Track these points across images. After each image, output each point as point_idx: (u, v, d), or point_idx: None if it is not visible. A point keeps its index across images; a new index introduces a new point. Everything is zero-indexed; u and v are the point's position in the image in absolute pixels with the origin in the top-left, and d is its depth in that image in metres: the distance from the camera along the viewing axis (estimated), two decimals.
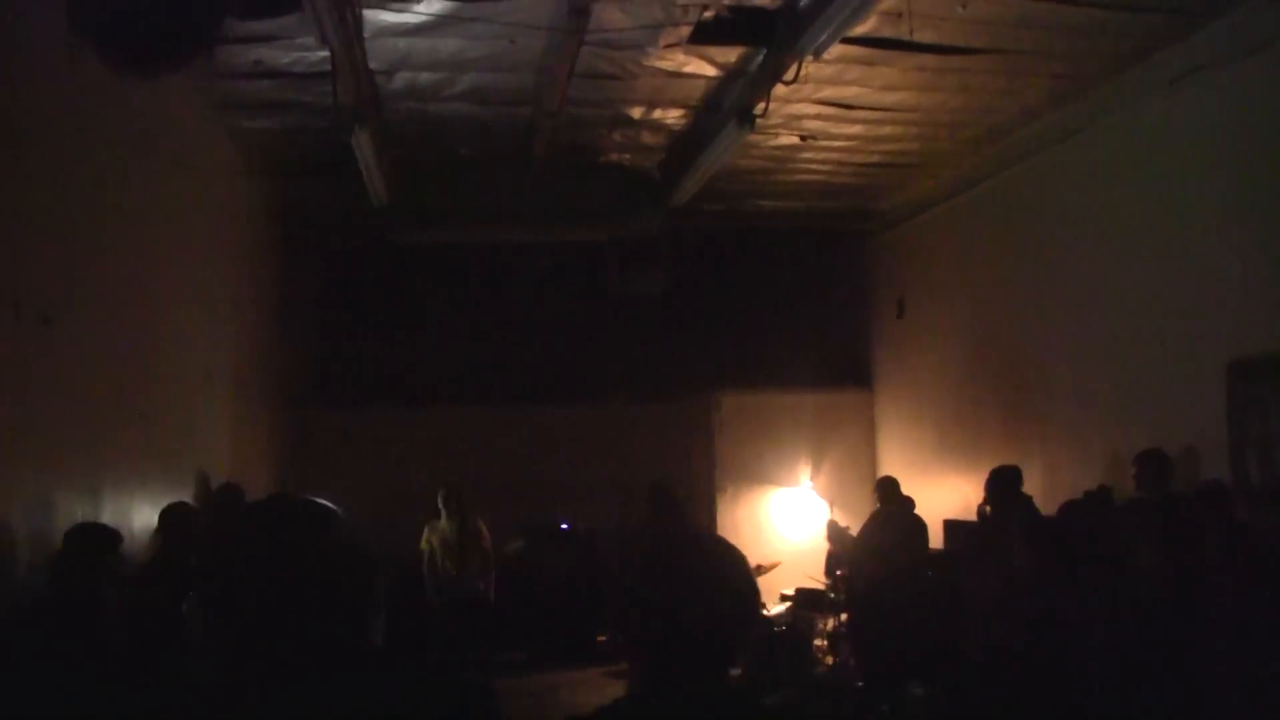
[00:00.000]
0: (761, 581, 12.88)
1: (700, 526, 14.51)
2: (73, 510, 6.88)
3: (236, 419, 11.94)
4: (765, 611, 13.07)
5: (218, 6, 7.38)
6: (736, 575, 2.76)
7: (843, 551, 12.77)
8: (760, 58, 9.54)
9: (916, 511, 11.79)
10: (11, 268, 6.21)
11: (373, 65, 9.53)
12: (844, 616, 12.58)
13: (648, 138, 12.05)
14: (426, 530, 12.32)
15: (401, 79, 10.03)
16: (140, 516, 8.28)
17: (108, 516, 7.26)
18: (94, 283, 7.50)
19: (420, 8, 8.43)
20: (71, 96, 7.22)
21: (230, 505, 9.53)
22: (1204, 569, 6.49)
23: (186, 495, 9.65)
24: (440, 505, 12.22)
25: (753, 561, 12.88)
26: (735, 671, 2.76)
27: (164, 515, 7.78)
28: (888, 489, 12.02)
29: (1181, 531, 7.20)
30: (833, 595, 12.79)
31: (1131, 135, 10.21)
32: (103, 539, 6.27)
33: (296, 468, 14.26)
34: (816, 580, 13.30)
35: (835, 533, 13.04)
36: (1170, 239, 9.66)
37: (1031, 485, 10.05)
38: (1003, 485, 9.94)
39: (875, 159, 12.89)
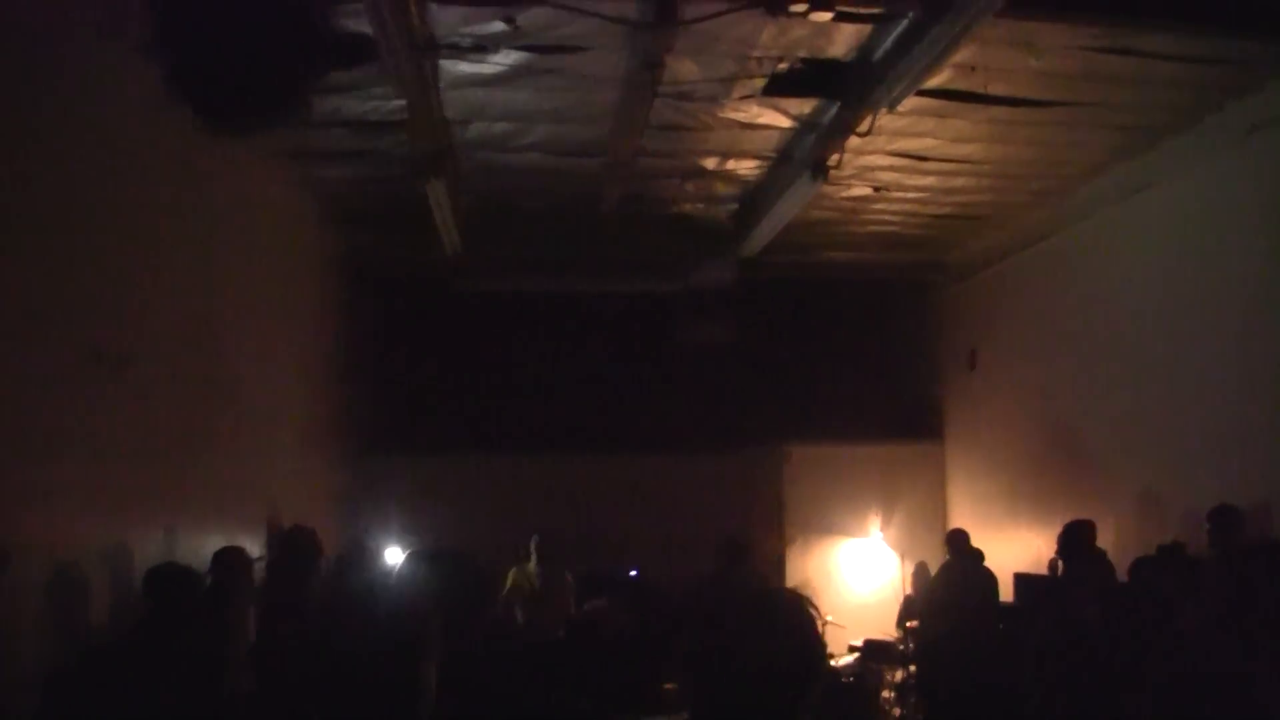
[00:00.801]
0: (830, 632, 12.85)
1: (768, 579, 14.45)
2: (146, 553, 6.97)
3: (302, 466, 12.03)
4: (833, 663, 13.00)
5: (314, 66, 7.49)
6: (801, 629, 2.76)
7: (920, 598, 12.73)
8: (834, 110, 9.55)
9: (986, 564, 11.71)
10: (90, 313, 6.32)
11: (448, 115, 9.62)
12: (912, 668, 12.50)
13: (720, 188, 12.09)
14: (513, 573, 12.31)
15: (476, 129, 10.11)
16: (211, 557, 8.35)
17: (179, 557, 7.34)
18: (165, 328, 7.62)
19: (496, 59, 8.51)
20: (152, 146, 7.36)
21: (305, 547, 9.61)
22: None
23: (254, 539, 9.75)
24: (532, 550, 12.23)
25: (822, 615, 12.90)
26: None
27: (218, 557, 7.90)
28: (958, 541, 11.96)
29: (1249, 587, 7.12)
30: (901, 647, 12.71)
31: (1202, 189, 10.13)
32: (188, 580, 6.34)
33: (363, 513, 14.32)
34: (886, 633, 13.24)
35: (921, 579, 13.00)
36: (1243, 294, 9.57)
37: (1103, 540, 9.97)
38: (1075, 540, 9.86)
39: (947, 210, 12.86)
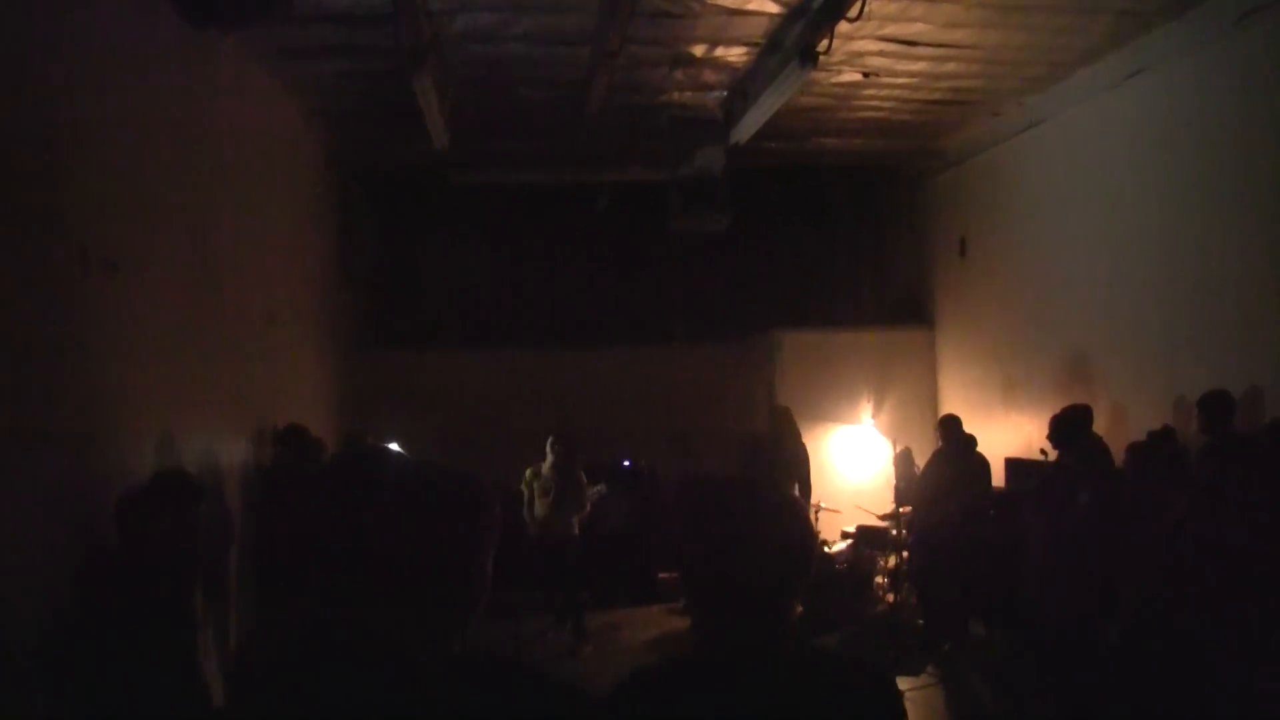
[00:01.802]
0: (823, 519, 12.98)
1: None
2: (143, 455, 7.00)
3: (300, 361, 12.08)
4: (826, 549, 13.14)
5: None
6: (790, 519, 2.80)
7: (908, 485, 12.83)
8: None
9: (978, 450, 11.79)
10: (78, 217, 6.30)
11: (433, 7, 9.52)
12: (905, 555, 12.63)
13: (709, 76, 11.99)
14: (529, 472, 12.52)
15: (462, 20, 10.00)
16: (206, 459, 8.41)
17: (175, 461, 7.38)
18: (156, 229, 7.60)
19: None
20: (136, 46, 7.31)
21: (294, 443, 9.69)
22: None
23: (249, 437, 9.81)
24: (548, 450, 12.41)
25: (814, 501, 13.01)
26: (798, 610, 2.80)
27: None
28: (949, 427, 12.02)
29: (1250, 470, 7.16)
30: (894, 533, 12.84)
31: (1195, 75, 10.06)
32: (188, 488, 6.37)
33: (357, 410, 14.40)
34: (875, 516, 13.37)
35: (905, 464, 13.10)
36: (1237, 178, 9.54)
37: (1096, 426, 10.04)
38: (1069, 426, 9.92)
39: (938, 96, 12.77)
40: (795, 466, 13.30)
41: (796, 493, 13.05)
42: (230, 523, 8.91)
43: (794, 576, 2.75)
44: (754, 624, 2.69)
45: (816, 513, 12.79)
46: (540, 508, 12.42)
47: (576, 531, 12.52)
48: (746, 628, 2.69)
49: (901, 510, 12.80)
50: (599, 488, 12.93)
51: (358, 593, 2.37)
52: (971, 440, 11.82)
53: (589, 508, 12.67)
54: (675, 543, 2.93)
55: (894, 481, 13.33)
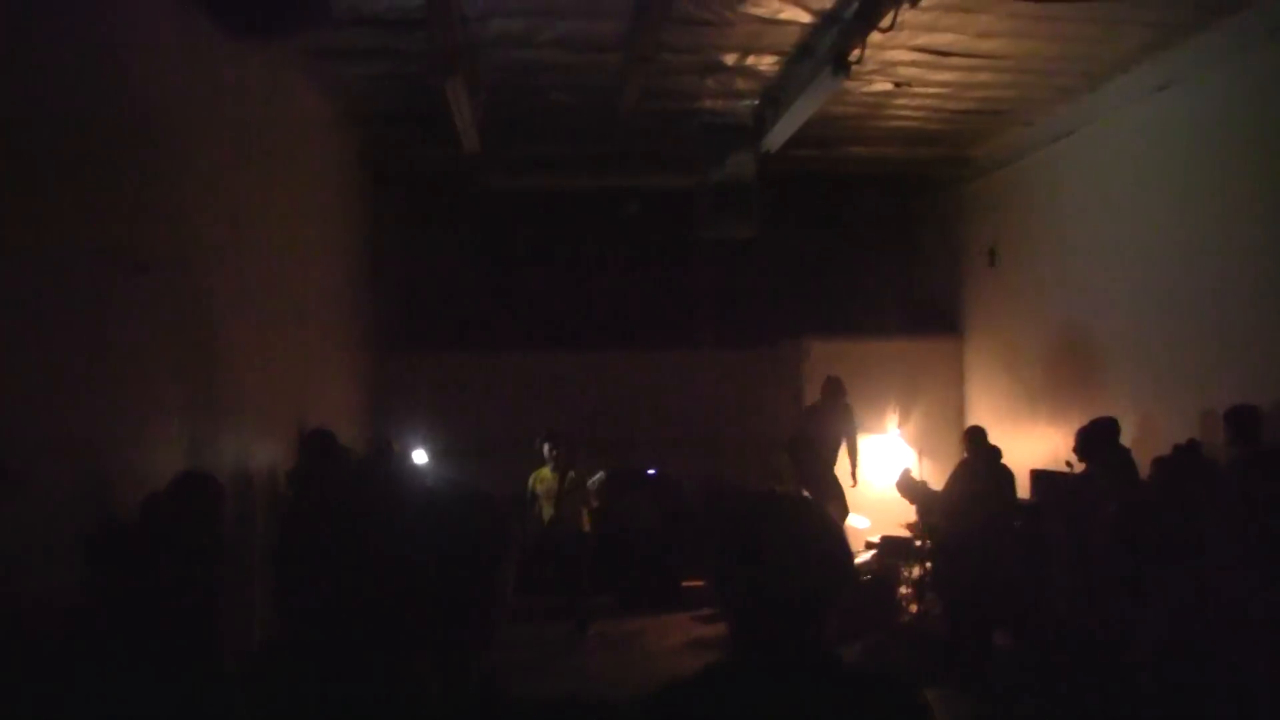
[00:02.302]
0: (848, 530, 12.96)
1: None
2: (172, 456, 7.02)
3: (328, 363, 12.12)
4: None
5: None
6: (828, 537, 2.80)
7: (920, 506, 12.79)
8: (856, 4, 9.46)
9: (1004, 461, 11.76)
10: (108, 218, 6.33)
11: (467, 12, 9.55)
12: (929, 565, 12.60)
13: (740, 84, 12.01)
14: (532, 478, 12.62)
15: (495, 25, 10.04)
16: (235, 461, 8.44)
17: (204, 462, 7.40)
18: (187, 231, 7.63)
19: None
20: (169, 48, 7.35)
21: (319, 448, 9.67)
22: None
23: (278, 440, 9.83)
24: (545, 453, 12.51)
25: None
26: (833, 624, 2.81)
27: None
28: (975, 438, 11.97)
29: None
30: (918, 543, 12.81)
31: (1227, 86, 10.04)
32: (213, 489, 6.38)
33: (386, 412, 14.45)
34: (903, 528, 13.34)
35: (908, 486, 13.02)
36: (1265, 191, 9.52)
37: (1123, 438, 10.01)
38: (1096, 438, 9.89)
39: (969, 106, 12.76)
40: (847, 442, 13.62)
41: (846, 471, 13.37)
42: (255, 526, 8.93)
43: (830, 592, 2.76)
44: (789, 639, 2.70)
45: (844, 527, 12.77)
46: (547, 509, 12.54)
47: (586, 528, 12.58)
48: (782, 642, 2.70)
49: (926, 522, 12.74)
50: (599, 476, 12.99)
51: (375, 618, 2.40)
52: (997, 451, 11.77)
53: (595, 502, 12.74)
54: (702, 551, 2.95)
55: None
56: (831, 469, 13.77)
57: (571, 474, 12.64)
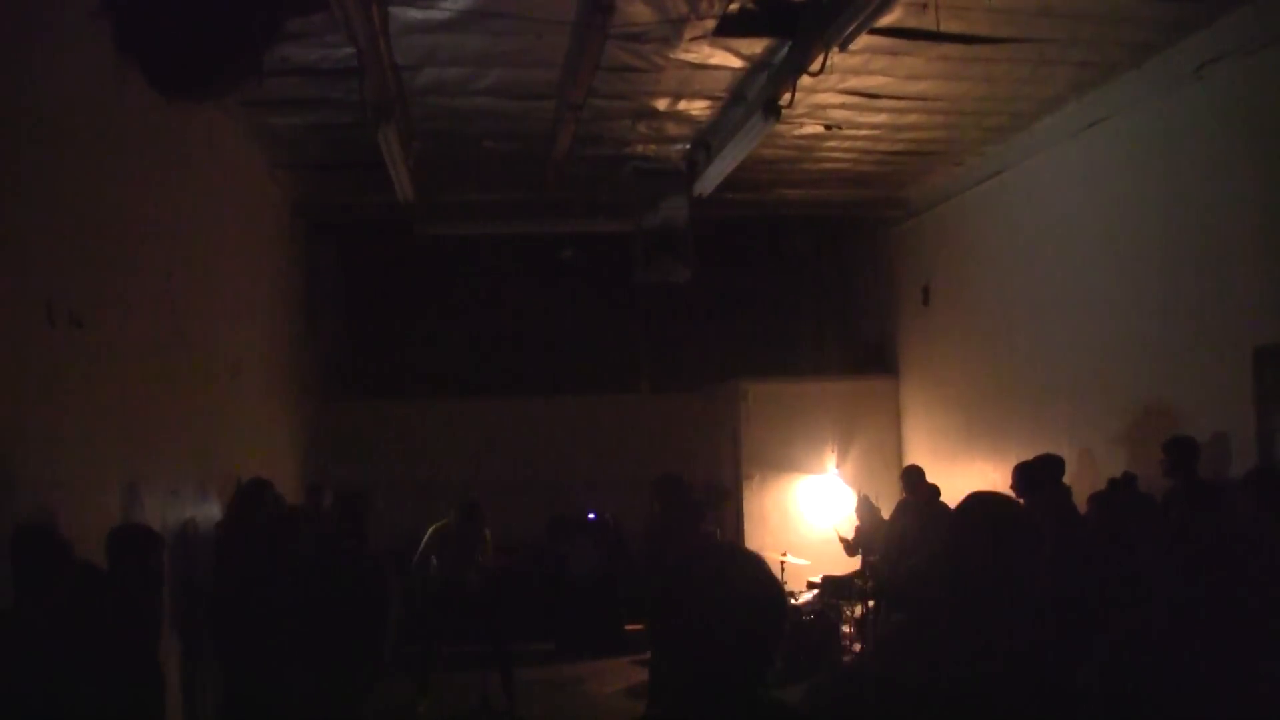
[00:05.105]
0: (789, 569, 12.97)
1: (720, 520, 14.59)
2: (109, 509, 6.96)
3: (265, 412, 12.04)
4: (793, 600, 13.11)
5: (268, 28, 7.42)
6: (762, 581, 2.80)
7: (871, 530, 12.81)
8: (785, 49, 9.52)
9: (942, 499, 11.81)
10: (44, 271, 6.29)
11: (399, 61, 9.55)
12: (871, 604, 12.62)
13: (672, 129, 12.07)
14: (431, 529, 12.12)
15: (428, 75, 10.06)
16: (172, 514, 8.37)
17: (141, 515, 7.34)
18: (122, 284, 7.59)
19: (446, 4, 8.45)
20: (106, 105, 7.32)
21: (252, 499, 9.61)
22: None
23: (216, 489, 9.77)
24: (454, 517, 12.00)
25: (780, 552, 12.99)
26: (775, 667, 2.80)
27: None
28: (912, 478, 12.05)
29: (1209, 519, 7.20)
30: (859, 582, 12.83)
31: (1155, 124, 10.18)
32: (149, 541, 6.34)
33: (323, 459, 14.36)
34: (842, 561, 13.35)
35: (866, 510, 13.07)
36: (1197, 227, 9.64)
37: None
38: (1037, 474, 9.94)
39: (900, 147, 12.88)
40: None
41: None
42: (194, 575, 8.84)
43: (768, 633, 2.75)
44: (728, 681, 2.70)
45: (783, 565, 12.76)
46: (442, 560, 12.00)
47: (475, 583, 12.00)
48: (723, 685, 2.69)
49: (870, 559, 12.75)
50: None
51: (281, 657, 2.41)
52: (934, 490, 11.83)
53: (485, 557, 12.29)
54: (642, 595, 2.95)
55: (856, 523, 13.31)
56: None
57: (487, 533, 12.19)
